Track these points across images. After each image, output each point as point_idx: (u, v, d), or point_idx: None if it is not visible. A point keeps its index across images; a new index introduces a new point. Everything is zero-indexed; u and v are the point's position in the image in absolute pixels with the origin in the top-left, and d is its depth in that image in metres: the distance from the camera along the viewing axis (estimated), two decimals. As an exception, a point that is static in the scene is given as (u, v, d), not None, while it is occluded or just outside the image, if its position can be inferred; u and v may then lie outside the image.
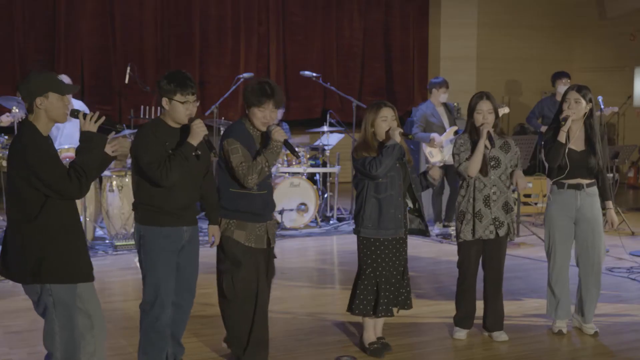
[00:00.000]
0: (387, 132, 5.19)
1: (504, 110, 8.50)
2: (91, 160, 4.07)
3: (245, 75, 10.17)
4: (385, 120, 5.20)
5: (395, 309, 5.35)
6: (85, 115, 4.12)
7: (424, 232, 5.47)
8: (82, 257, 4.18)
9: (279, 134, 4.84)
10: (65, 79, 8.61)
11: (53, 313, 4.12)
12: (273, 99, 4.87)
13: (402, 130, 5.19)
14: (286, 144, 4.89)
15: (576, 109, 5.55)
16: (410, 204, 5.42)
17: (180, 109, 4.49)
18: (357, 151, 5.23)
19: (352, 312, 5.32)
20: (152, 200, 4.55)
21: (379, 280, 5.23)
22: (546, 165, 5.69)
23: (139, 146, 4.50)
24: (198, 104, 4.59)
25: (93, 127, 4.11)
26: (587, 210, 5.65)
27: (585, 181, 5.64)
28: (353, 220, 5.44)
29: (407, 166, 5.31)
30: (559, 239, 5.69)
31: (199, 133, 4.51)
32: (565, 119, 5.51)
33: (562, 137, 5.54)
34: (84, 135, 4.11)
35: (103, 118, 4.15)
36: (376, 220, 5.18)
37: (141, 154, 4.48)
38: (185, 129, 4.55)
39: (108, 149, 4.16)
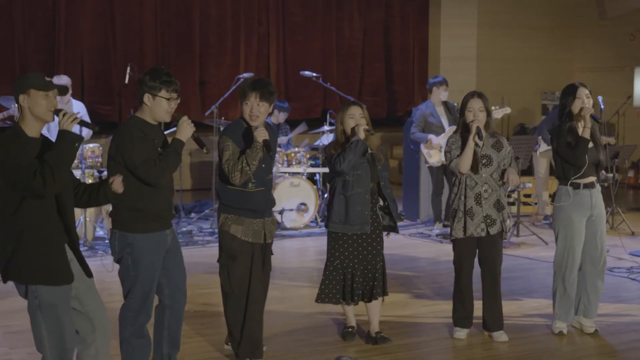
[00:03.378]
0: (352, 128, 5.35)
1: (505, 111, 8.49)
2: (60, 157, 3.97)
3: (245, 75, 10.14)
4: (352, 118, 5.39)
5: (380, 299, 5.50)
6: (64, 114, 4.04)
7: (393, 229, 5.60)
8: (56, 259, 4.08)
9: (260, 135, 4.88)
10: (65, 79, 8.59)
11: (39, 316, 4.08)
12: (255, 90, 4.92)
13: (366, 127, 5.33)
14: (265, 144, 4.89)
15: (589, 105, 5.59)
16: (381, 202, 5.56)
17: (165, 105, 4.44)
18: (327, 149, 5.47)
19: (316, 300, 5.51)
20: (139, 203, 4.43)
21: (345, 271, 5.42)
22: (559, 165, 5.66)
23: (128, 146, 4.37)
24: (179, 101, 4.52)
25: (68, 126, 4.02)
26: (598, 207, 5.70)
27: (594, 178, 5.69)
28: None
29: (376, 164, 5.43)
30: (577, 240, 5.65)
31: (187, 129, 4.46)
32: (594, 116, 5.54)
33: (587, 134, 5.55)
34: (60, 133, 4.03)
35: (79, 119, 4.06)
36: (343, 216, 5.37)
37: (132, 154, 4.35)
38: (162, 128, 4.52)
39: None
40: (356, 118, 5.37)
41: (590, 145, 5.61)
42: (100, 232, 8.79)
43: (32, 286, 4.05)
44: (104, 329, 4.37)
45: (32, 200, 3.97)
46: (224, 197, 5.03)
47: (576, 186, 5.64)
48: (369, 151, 5.36)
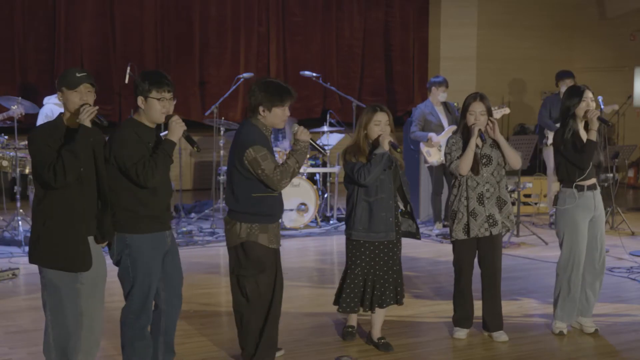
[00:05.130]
0: (377, 138, 5.22)
1: (504, 111, 8.49)
2: (72, 152, 4.12)
3: (245, 75, 10.16)
4: (378, 125, 5.23)
5: (384, 308, 5.43)
6: (83, 108, 4.21)
7: (413, 235, 5.51)
8: (71, 247, 4.26)
9: (304, 134, 4.84)
10: None
11: (45, 294, 4.32)
12: (293, 96, 4.87)
13: (391, 140, 5.20)
14: (312, 142, 4.91)
15: (594, 108, 5.61)
16: (402, 206, 5.46)
17: (157, 106, 4.41)
18: (347, 154, 5.30)
19: (339, 309, 5.47)
20: (135, 205, 4.42)
21: (366, 278, 5.33)
22: (563, 168, 5.64)
23: (122, 147, 4.37)
24: (174, 102, 4.51)
25: (85, 120, 4.19)
26: (599, 208, 5.72)
27: (596, 180, 5.71)
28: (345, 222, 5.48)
29: (398, 168, 5.33)
30: (582, 242, 5.65)
31: (177, 129, 4.44)
32: (603, 119, 5.56)
33: (593, 137, 5.56)
34: (79, 127, 4.21)
35: (95, 112, 4.24)
36: (367, 222, 5.24)
37: (124, 156, 4.35)
38: (160, 130, 4.52)
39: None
40: (382, 125, 5.22)
41: None
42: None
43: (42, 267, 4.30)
44: (92, 329, 4.46)
45: (54, 190, 4.20)
46: (247, 206, 4.87)
47: (580, 188, 5.63)
48: (393, 162, 5.25)
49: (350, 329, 5.61)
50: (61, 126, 4.25)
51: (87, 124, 4.19)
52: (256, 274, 4.93)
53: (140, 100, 4.44)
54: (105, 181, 4.38)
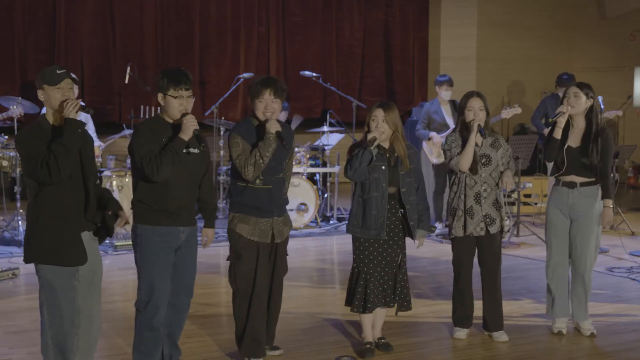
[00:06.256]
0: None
1: (515, 111, 8.47)
2: (63, 146, 4.13)
3: (245, 75, 10.16)
4: (374, 120, 5.24)
5: (389, 309, 5.40)
6: (67, 103, 4.23)
7: (410, 235, 5.45)
8: (64, 242, 4.27)
9: (272, 126, 4.89)
10: None
11: (42, 294, 4.32)
12: (269, 87, 4.92)
13: (374, 136, 5.17)
14: (278, 135, 4.90)
15: (576, 103, 5.56)
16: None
17: (174, 103, 4.53)
18: (349, 151, 5.34)
19: (346, 304, 5.42)
20: (149, 198, 4.57)
21: (362, 275, 5.30)
22: (547, 163, 5.75)
23: (135, 142, 4.54)
24: (193, 100, 4.62)
25: (71, 114, 4.21)
26: (581, 209, 5.64)
27: (579, 179, 5.62)
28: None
29: (397, 169, 5.27)
30: (553, 235, 5.73)
31: (189, 128, 4.52)
32: (559, 114, 5.56)
33: (557, 134, 5.58)
34: (65, 122, 4.22)
35: (79, 105, 4.25)
36: (360, 219, 5.27)
37: (136, 149, 4.52)
38: (179, 126, 4.57)
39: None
40: (377, 120, 5.21)
41: (578, 145, 5.60)
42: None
43: (38, 265, 4.29)
44: (90, 327, 4.47)
45: (47, 186, 4.21)
46: (233, 194, 5.07)
47: (557, 182, 5.72)
48: (372, 157, 5.19)
49: (368, 346, 5.40)
50: (46, 125, 4.27)
51: (74, 116, 4.22)
52: (234, 263, 5.03)
53: (160, 96, 4.58)
54: (92, 177, 4.41)
